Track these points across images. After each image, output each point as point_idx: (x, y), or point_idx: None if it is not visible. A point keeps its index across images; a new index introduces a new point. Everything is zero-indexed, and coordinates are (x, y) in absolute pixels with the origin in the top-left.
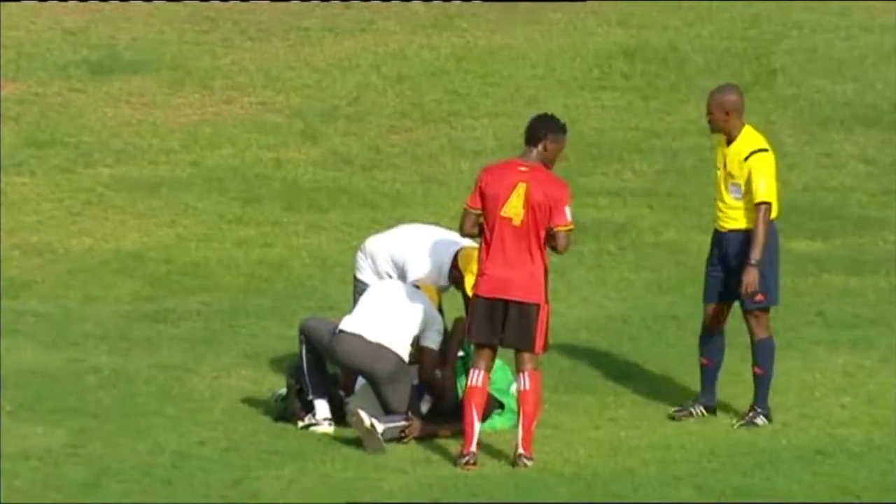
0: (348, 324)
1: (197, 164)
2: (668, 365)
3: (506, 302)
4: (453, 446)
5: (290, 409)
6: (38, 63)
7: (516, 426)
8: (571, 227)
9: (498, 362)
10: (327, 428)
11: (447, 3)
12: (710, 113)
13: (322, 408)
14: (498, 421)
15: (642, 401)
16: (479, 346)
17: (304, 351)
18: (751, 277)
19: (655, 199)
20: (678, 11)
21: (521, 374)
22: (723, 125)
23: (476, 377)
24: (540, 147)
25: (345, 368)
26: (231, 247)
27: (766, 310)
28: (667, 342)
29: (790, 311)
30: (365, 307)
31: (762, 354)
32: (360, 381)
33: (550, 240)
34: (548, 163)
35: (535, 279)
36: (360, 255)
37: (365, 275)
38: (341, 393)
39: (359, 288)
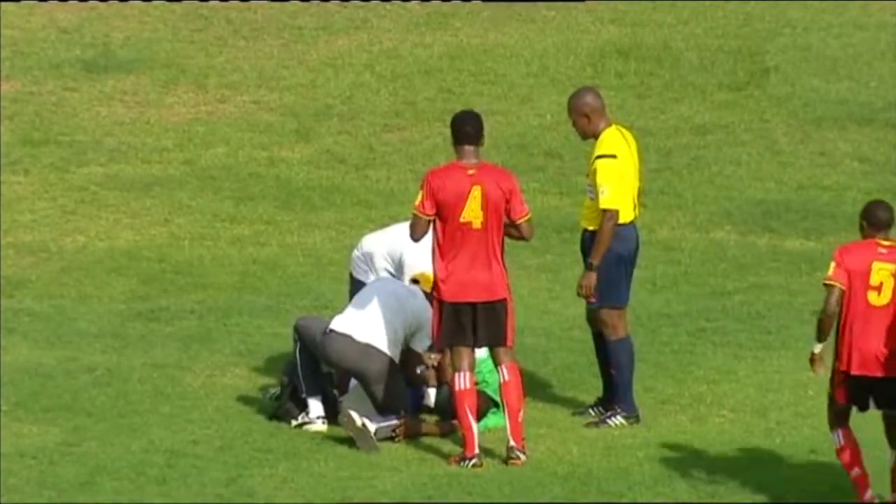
0: (338, 323)
1: (190, 163)
2: (661, 363)
3: (473, 305)
4: (447, 445)
5: (284, 407)
6: (32, 61)
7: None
8: (530, 215)
9: (489, 363)
10: (321, 426)
11: (441, 2)
12: (573, 122)
13: (316, 406)
14: (492, 419)
15: (636, 399)
16: (455, 347)
17: (297, 350)
18: (585, 280)
19: (649, 198)
20: (672, 10)
21: (500, 368)
22: (586, 128)
23: (462, 380)
24: (481, 145)
25: (336, 368)
26: (225, 245)
27: (614, 309)
28: (661, 340)
29: (784, 309)
30: (356, 307)
31: (614, 355)
32: (354, 380)
33: (514, 231)
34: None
35: (499, 276)
36: (356, 253)
37: (361, 273)
38: (335, 392)
39: (355, 286)
